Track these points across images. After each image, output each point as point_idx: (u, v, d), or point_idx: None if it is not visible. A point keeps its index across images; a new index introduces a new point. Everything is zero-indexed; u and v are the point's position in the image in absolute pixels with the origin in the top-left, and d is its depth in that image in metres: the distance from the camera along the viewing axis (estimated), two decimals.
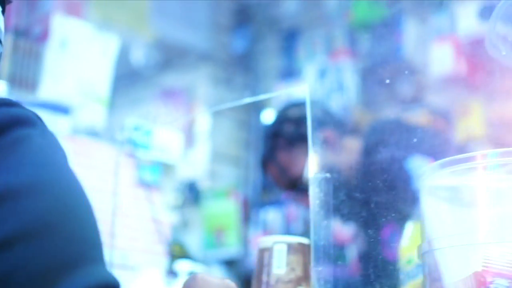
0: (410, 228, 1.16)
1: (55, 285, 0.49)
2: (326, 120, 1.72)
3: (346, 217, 1.13)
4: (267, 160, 1.83)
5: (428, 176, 0.82)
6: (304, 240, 0.97)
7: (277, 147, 1.76)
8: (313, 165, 0.81)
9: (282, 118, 1.79)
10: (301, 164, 1.64)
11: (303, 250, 0.97)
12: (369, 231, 1.10)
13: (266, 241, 0.98)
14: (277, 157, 1.77)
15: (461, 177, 0.80)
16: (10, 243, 0.49)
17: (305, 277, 0.97)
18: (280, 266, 0.96)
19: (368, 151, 1.52)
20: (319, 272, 0.78)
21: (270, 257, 0.97)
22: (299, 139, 1.68)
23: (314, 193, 0.80)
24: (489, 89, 1.53)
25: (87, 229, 0.55)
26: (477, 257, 0.73)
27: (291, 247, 0.96)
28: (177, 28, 3.16)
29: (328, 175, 0.81)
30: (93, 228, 0.56)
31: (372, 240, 1.02)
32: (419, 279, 1.11)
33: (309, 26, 3.32)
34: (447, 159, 0.79)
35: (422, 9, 2.71)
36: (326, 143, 1.58)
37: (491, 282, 0.71)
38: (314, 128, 0.81)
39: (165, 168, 1.87)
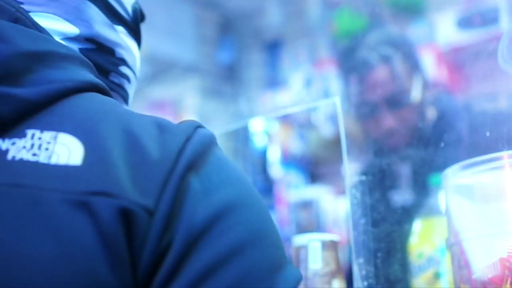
0: (418, 225, 1.27)
1: (276, 283, 0.56)
2: (396, 53, 1.71)
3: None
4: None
5: (451, 176, 0.93)
6: (335, 238, 1.07)
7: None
8: (348, 170, 0.91)
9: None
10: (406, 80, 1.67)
11: (335, 246, 1.08)
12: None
13: (301, 239, 1.09)
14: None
15: (482, 176, 0.90)
16: (241, 249, 0.55)
17: (338, 270, 1.08)
18: (316, 261, 1.06)
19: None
20: (360, 264, 0.88)
21: (306, 254, 1.07)
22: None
23: (352, 194, 0.91)
24: (469, 93, 1.65)
25: (278, 232, 0.61)
26: (502, 245, 0.84)
27: (324, 244, 1.07)
28: (165, 42, 3.25)
29: (363, 178, 0.92)
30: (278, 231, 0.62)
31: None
32: (430, 272, 1.22)
33: (292, 37, 3.44)
34: (468, 161, 0.90)
35: (402, 18, 2.84)
36: (397, 75, 1.66)
37: None
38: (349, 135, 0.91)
39: None
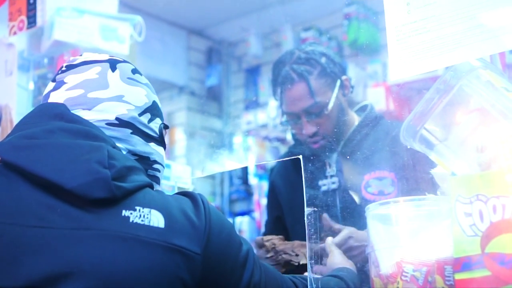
0: None
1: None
2: (337, 69, 1.88)
3: None
4: None
5: (372, 209, 1.42)
6: None
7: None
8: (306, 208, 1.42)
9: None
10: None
11: None
12: None
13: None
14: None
15: (389, 209, 1.40)
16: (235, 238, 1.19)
17: None
18: None
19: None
20: (311, 256, 1.41)
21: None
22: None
23: (308, 219, 1.42)
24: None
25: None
26: (398, 254, 1.33)
27: None
28: (159, 67, 3.73)
29: (315, 209, 1.43)
30: None
31: None
32: None
33: (269, 65, 3.86)
34: (382, 201, 1.40)
35: (361, 58, 3.28)
36: (345, 88, 1.90)
37: (403, 267, 1.31)
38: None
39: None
